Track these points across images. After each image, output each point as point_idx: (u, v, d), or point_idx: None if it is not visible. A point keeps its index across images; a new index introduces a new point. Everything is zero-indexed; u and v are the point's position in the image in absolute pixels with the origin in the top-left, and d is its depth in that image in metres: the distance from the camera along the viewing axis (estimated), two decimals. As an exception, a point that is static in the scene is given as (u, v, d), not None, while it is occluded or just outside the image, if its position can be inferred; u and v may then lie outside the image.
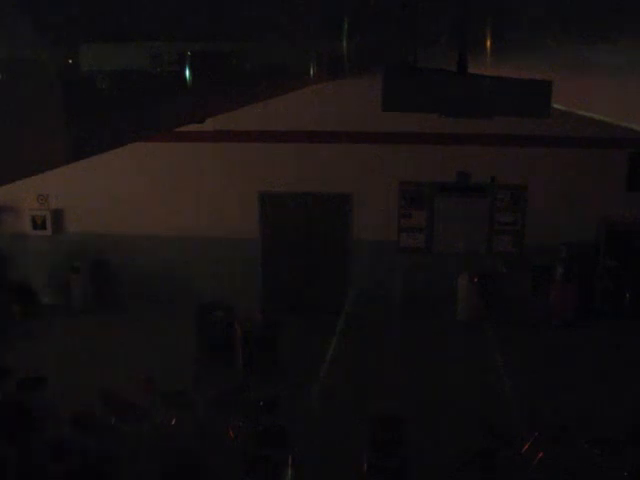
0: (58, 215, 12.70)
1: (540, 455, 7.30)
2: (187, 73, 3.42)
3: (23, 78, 2.01)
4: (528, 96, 3.74)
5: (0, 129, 1.81)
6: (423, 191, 12.18)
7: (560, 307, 11.65)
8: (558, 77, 4.05)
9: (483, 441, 7.43)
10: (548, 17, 3.36)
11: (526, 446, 7.42)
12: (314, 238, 12.47)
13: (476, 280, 11.73)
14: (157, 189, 12.35)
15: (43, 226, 12.65)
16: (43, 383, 8.56)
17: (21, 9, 1.83)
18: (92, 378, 9.85)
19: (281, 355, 10.08)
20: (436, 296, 11.87)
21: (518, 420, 8.21)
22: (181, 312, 12.50)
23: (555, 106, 5.75)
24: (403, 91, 3.82)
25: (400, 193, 12.20)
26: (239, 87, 5.02)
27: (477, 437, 7.55)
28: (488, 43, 4.88)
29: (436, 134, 11.60)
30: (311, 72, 7.46)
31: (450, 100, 3.84)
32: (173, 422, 8.26)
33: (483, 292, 11.67)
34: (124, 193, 12.42)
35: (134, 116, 2.88)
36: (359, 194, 12.20)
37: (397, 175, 12.05)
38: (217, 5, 2.71)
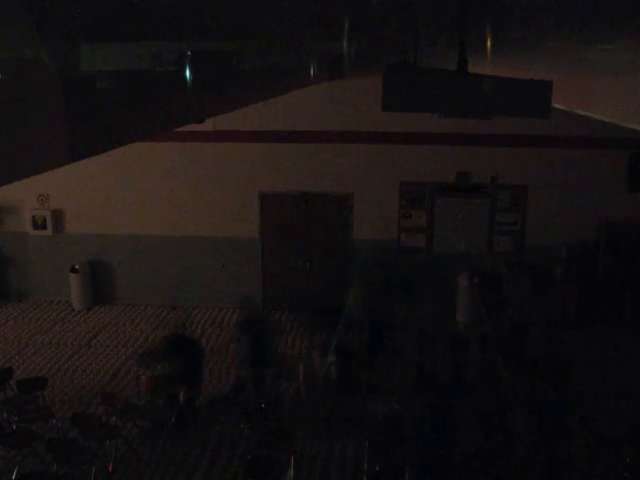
0: (58, 215, 12.70)
1: (540, 455, 7.29)
2: (187, 73, 3.42)
3: (23, 78, 2.01)
4: (528, 96, 3.74)
5: (0, 129, 1.81)
6: (423, 191, 12.18)
7: (560, 307, 11.64)
8: (558, 77, 4.04)
9: (483, 441, 7.43)
10: (548, 17, 3.36)
11: (526, 446, 7.42)
12: (314, 238, 12.47)
13: (476, 280, 11.72)
14: (157, 189, 12.35)
15: (43, 226, 12.65)
16: (43, 383, 8.55)
17: (21, 9, 1.83)
18: (93, 378, 9.87)
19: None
20: (436, 296, 11.86)
21: (518, 420, 8.20)
22: (181, 312, 12.52)
23: (555, 106, 5.75)
24: (403, 91, 3.82)
25: (400, 193, 12.20)
26: (239, 87, 5.02)
27: (477, 437, 7.55)
28: (488, 43, 4.89)
29: (436, 134, 11.60)
30: (311, 72, 7.46)
31: (450, 100, 3.84)
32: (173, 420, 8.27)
33: (483, 292, 11.66)
34: (124, 193, 12.41)
35: (134, 116, 2.88)
36: (359, 194, 12.19)
37: (397, 175, 12.05)
38: (217, 5, 2.71)
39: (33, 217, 12.64)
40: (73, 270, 12.50)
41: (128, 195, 12.41)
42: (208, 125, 10.43)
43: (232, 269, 12.45)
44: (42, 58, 2.14)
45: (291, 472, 7.04)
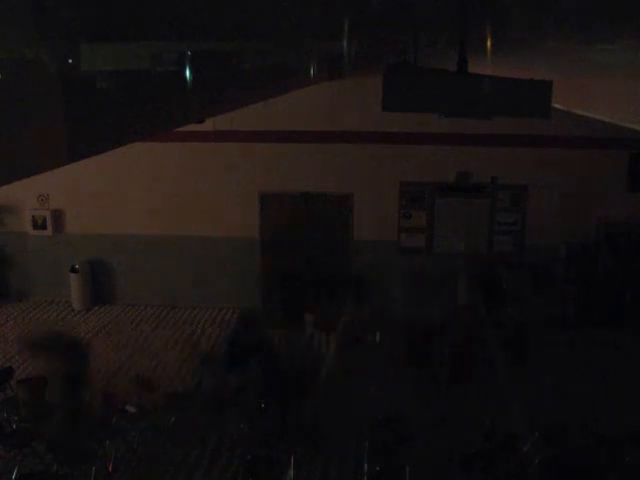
0: (58, 215, 12.70)
1: (540, 455, 7.29)
2: (187, 73, 3.42)
3: (23, 78, 2.01)
4: (528, 96, 3.74)
5: (0, 129, 1.81)
6: (423, 191, 12.18)
7: (559, 307, 11.64)
8: (558, 77, 4.04)
9: (483, 442, 7.42)
10: (548, 17, 3.36)
11: (526, 446, 7.42)
12: (314, 238, 12.47)
13: (476, 281, 11.72)
14: (157, 189, 12.35)
15: (43, 226, 12.65)
16: (43, 383, 8.55)
17: (21, 9, 1.83)
18: (93, 378, 9.86)
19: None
20: (436, 296, 11.86)
21: (518, 420, 8.20)
22: (182, 311, 12.53)
23: (555, 106, 5.75)
24: (403, 91, 3.82)
25: (400, 193, 12.20)
26: (239, 87, 5.02)
27: (477, 438, 7.54)
28: (488, 43, 4.89)
29: (436, 134, 11.60)
30: (311, 72, 7.47)
31: (450, 100, 3.84)
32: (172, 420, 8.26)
33: (483, 292, 11.66)
34: (124, 193, 12.41)
35: (134, 116, 2.88)
36: (359, 194, 12.19)
37: (397, 175, 12.05)
38: (217, 5, 2.72)
39: (33, 217, 12.64)
40: (73, 270, 12.50)
41: (128, 195, 12.41)
42: (208, 125, 10.43)
43: (232, 269, 12.45)
44: (42, 58, 2.14)
45: (291, 472, 7.04)
